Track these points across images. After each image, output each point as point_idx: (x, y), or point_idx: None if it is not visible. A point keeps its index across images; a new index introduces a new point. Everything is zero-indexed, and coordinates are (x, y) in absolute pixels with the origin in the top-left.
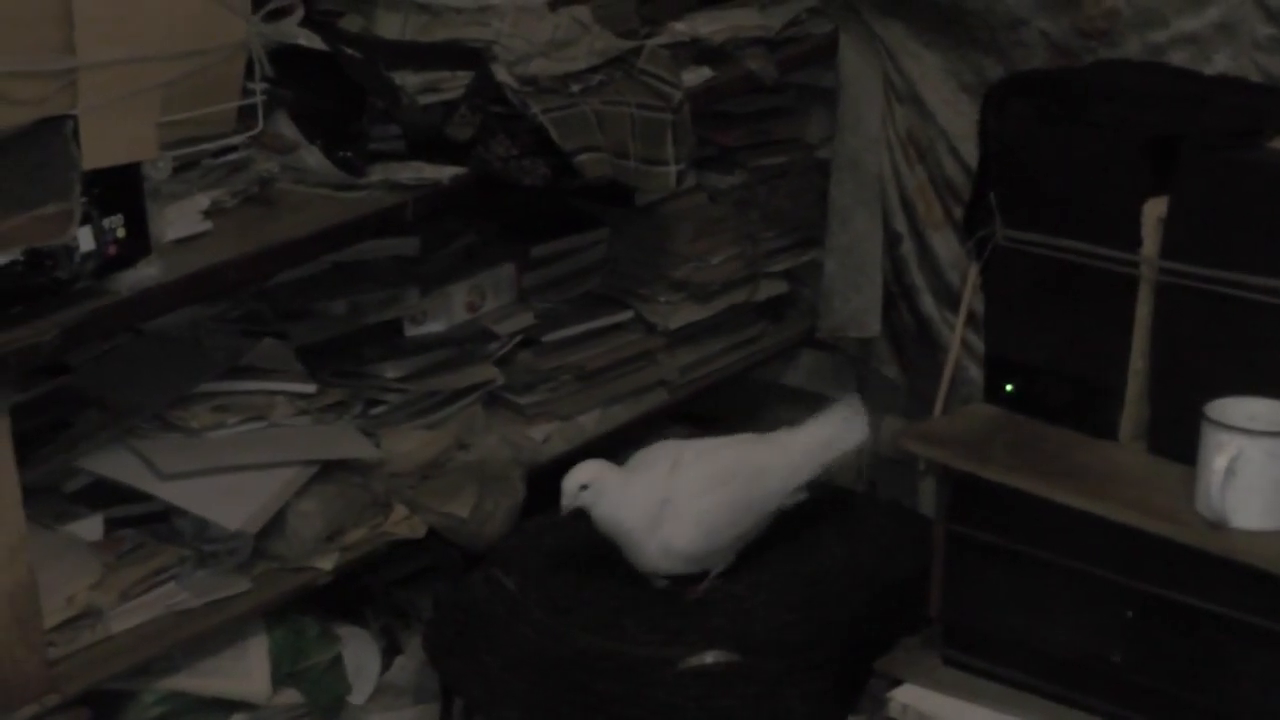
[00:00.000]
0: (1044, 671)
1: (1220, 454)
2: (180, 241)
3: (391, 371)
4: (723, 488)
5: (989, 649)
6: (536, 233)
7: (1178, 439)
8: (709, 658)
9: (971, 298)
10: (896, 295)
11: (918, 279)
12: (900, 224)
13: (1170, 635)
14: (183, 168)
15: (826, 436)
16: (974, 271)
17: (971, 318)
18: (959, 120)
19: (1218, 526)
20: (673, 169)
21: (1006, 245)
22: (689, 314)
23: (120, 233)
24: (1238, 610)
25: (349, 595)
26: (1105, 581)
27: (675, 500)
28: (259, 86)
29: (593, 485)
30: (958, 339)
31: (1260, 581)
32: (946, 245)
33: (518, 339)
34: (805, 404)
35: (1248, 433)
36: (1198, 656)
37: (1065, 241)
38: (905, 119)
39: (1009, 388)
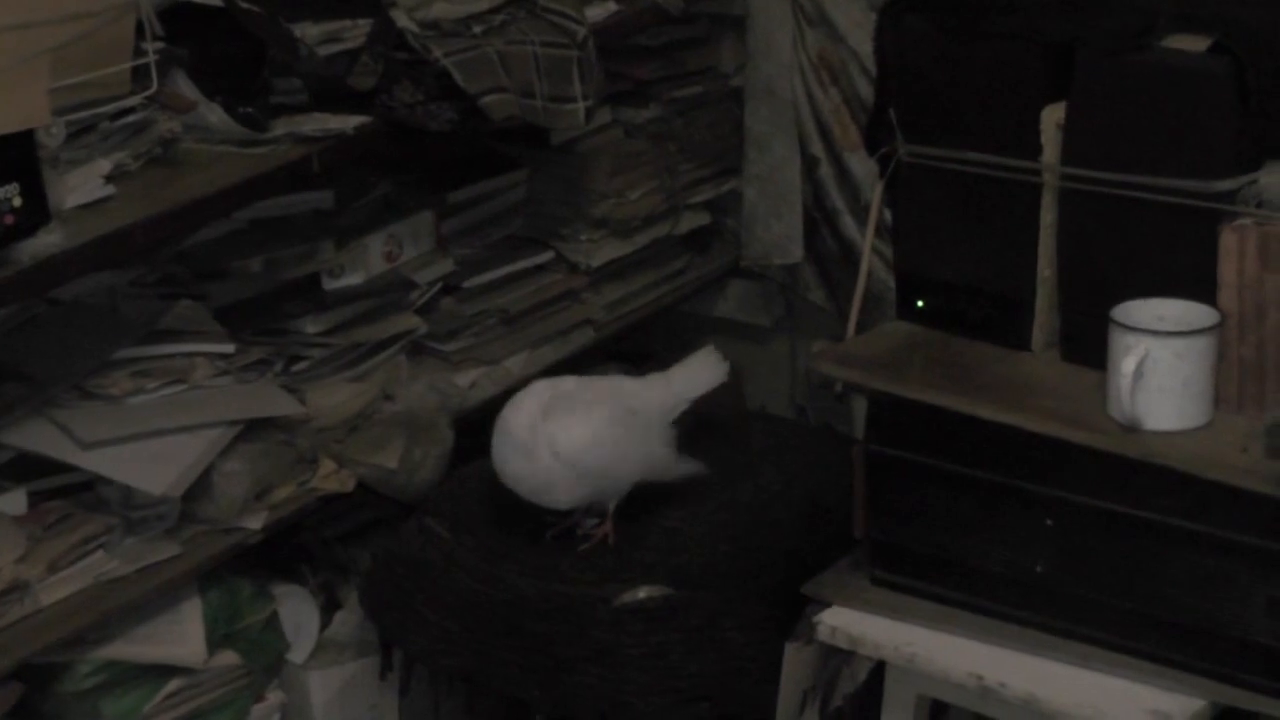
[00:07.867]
0: (971, 586)
1: (1128, 356)
2: (84, 207)
3: (312, 326)
4: (601, 405)
5: (915, 567)
6: (455, 179)
7: (1089, 345)
8: (642, 593)
9: (881, 215)
10: (818, 219)
11: (838, 201)
12: (817, 148)
13: (1091, 542)
14: (81, 132)
15: (692, 374)
16: (879, 189)
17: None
18: (870, 41)
19: (1130, 430)
20: (581, 105)
21: (909, 161)
22: (611, 250)
23: (16, 202)
24: (1155, 512)
25: (288, 554)
26: (1024, 492)
27: (556, 413)
28: (151, 46)
29: None
30: (865, 259)
31: (1175, 482)
32: (864, 166)
33: (438, 286)
34: (736, 334)
35: (1154, 334)
36: (1119, 561)
37: (967, 154)
38: (816, 42)
39: (920, 304)
